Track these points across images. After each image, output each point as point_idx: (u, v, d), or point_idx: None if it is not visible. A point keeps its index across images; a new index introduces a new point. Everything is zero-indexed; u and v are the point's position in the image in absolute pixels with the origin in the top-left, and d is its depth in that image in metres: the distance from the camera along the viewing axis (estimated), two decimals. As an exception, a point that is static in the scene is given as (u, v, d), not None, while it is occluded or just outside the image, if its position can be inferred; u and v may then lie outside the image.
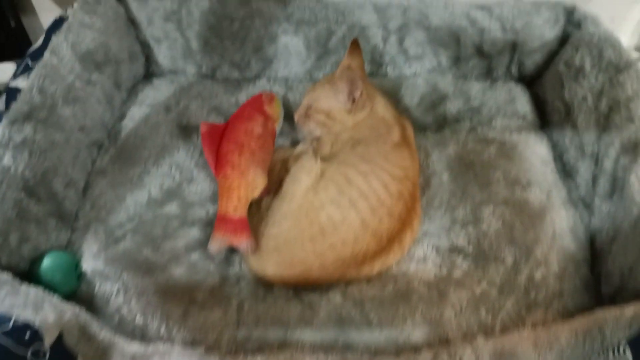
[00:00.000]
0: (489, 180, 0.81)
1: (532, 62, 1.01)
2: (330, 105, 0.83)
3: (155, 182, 0.82)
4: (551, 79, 0.95)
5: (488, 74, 1.03)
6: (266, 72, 1.04)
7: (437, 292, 0.68)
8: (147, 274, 0.69)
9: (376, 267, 0.69)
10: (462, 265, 0.71)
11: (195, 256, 0.72)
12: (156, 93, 0.98)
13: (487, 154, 0.86)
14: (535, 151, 0.87)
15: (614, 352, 0.51)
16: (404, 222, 0.70)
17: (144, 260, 0.71)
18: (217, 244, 0.71)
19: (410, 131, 0.84)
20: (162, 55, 1.03)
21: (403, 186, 0.72)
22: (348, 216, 0.68)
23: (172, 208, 0.79)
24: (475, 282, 0.69)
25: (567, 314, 0.66)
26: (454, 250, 0.73)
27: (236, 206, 0.73)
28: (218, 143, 0.79)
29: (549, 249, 0.72)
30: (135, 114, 0.93)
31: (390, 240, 0.69)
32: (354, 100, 0.81)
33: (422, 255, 0.73)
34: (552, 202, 0.79)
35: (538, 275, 0.70)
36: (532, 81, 1.03)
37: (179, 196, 0.80)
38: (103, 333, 0.57)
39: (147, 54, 1.04)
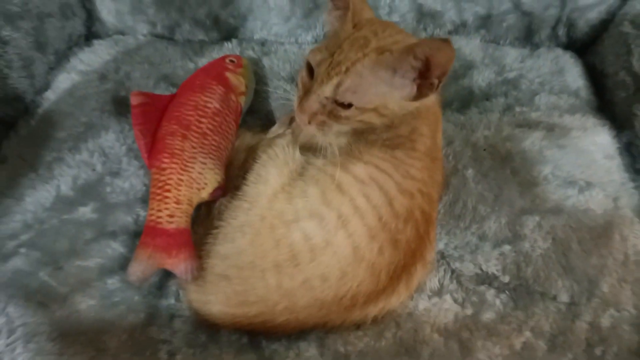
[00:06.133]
0: (533, 179, 0.71)
1: (585, 22, 0.91)
2: (386, 94, 0.57)
3: (67, 174, 0.67)
4: (612, 44, 0.86)
5: (528, 38, 0.94)
6: (238, 32, 0.92)
7: (459, 344, 0.58)
8: (42, 307, 0.57)
9: (371, 313, 0.58)
10: (495, 303, 0.61)
11: (113, 282, 0.60)
12: (92, 57, 0.84)
13: (529, 142, 0.74)
14: (595, 140, 0.77)
15: None
16: (413, 254, 0.58)
17: (39, 286, 0.59)
18: (140, 267, 0.57)
19: (439, 142, 0.67)
20: (106, 10, 0.89)
21: (414, 203, 0.58)
22: (334, 240, 0.55)
23: (86, 212, 0.65)
24: (514, 330, 0.59)
25: (651, 383, 0.58)
26: (484, 280, 0.64)
27: (173, 212, 0.59)
28: (156, 122, 0.65)
29: (621, 282, 0.63)
30: (62, 83, 0.80)
31: (392, 279, 0.57)
32: (429, 86, 0.56)
33: (436, 287, 0.62)
34: (622, 211, 0.68)
35: (606, 321, 0.60)
36: (584, 47, 0.95)
37: (98, 195, 0.66)
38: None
39: (89, 9, 0.90)
